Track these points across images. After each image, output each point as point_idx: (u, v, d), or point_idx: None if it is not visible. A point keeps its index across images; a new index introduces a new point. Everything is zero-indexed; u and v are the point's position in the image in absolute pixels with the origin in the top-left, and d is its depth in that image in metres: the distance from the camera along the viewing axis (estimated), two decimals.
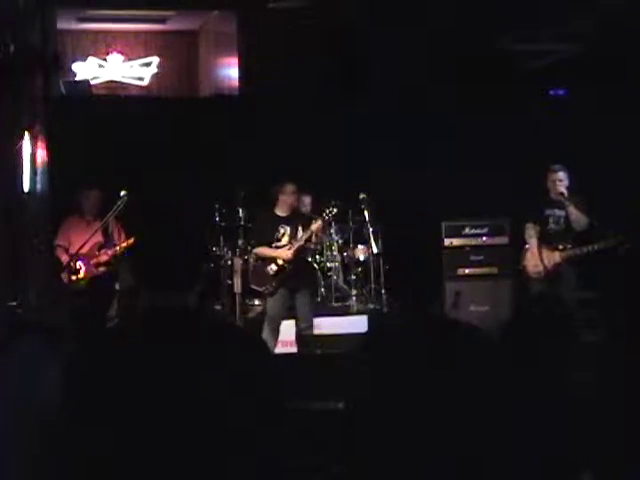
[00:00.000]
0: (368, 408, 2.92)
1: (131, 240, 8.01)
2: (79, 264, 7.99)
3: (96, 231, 8.04)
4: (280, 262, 7.88)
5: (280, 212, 7.97)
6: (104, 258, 8.11)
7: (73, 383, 2.32)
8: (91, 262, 8.10)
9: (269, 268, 7.91)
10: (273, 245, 7.95)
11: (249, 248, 9.21)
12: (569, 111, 10.40)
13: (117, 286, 8.95)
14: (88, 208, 8.26)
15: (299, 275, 8.02)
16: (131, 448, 2.24)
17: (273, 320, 7.93)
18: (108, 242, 8.13)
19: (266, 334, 7.82)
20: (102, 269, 8.15)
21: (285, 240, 7.96)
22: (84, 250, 8.07)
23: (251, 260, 8.81)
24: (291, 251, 7.88)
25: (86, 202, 8.27)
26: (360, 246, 9.79)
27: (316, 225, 7.87)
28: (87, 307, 7.98)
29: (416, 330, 2.97)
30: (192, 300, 2.37)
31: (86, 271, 8.08)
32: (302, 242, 7.87)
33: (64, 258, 8.08)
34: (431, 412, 2.81)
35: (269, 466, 2.30)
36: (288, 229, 7.97)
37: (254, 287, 8.12)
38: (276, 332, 7.93)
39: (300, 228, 7.96)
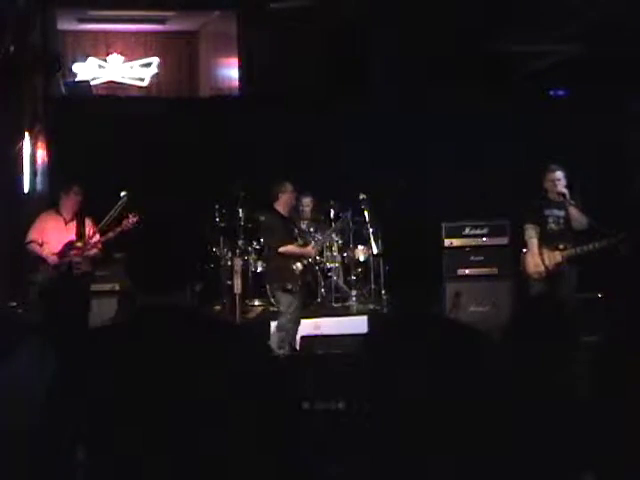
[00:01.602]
0: (368, 408, 2.92)
1: (98, 237, 7.99)
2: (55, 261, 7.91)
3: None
4: (305, 261, 8.07)
5: (283, 211, 8.08)
6: (76, 257, 7.99)
7: (66, 381, 2.32)
8: (63, 261, 7.96)
9: (296, 266, 7.99)
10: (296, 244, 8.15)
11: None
12: (569, 111, 10.40)
13: (117, 287, 8.95)
14: (67, 207, 8.10)
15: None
16: (129, 448, 2.23)
17: (297, 318, 8.02)
18: (81, 241, 8.04)
19: (287, 332, 7.89)
20: (78, 269, 8.03)
21: (300, 240, 8.16)
22: (58, 249, 7.99)
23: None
24: (315, 250, 8.20)
25: (65, 200, 8.10)
26: (360, 246, 9.79)
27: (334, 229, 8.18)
28: (63, 308, 7.86)
29: (416, 331, 2.97)
30: (188, 299, 2.37)
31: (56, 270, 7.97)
32: (323, 242, 8.06)
33: (40, 252, 7.97)
34: (431, 412, 2.81)
35: (270, 465, 2.30)
36: (295, 229, 8.18)
37: (285, 285, 8.00)
38: (297, 330, 8.04)
39: (295, 229, 8.19)
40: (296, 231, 8.18)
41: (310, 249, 8.15)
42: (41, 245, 7.99)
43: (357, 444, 2.93)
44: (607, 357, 3.09)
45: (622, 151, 9.71)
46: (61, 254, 7.97)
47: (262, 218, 8.55)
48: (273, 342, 7.82)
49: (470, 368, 2.86)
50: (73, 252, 8.00)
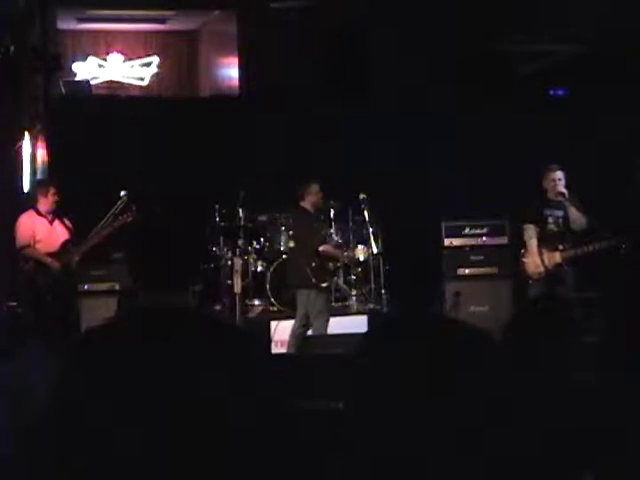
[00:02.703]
0: (368, 408, 2.92)
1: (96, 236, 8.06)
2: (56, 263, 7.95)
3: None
4: (359, 255, 8.34)
5: (311, 211, 8.20)
6: (75, 256, 8.04)
7: (67, 382, 2.32)
8: (65, 261, 7.99)
9: (330, 265, 8.11)
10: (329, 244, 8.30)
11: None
12: (569, 111, 10.40)
13: (117, 286, 8.95)
14: (46, 207, 8.02)
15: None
16: (127, 448, 2.23)
17: (327, 315, 8.09)
18: (75, 240, 8.09)
19: (319, 329, 7.97)
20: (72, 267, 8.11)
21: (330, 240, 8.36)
22: (55, 250, 8.00)
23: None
24: (349, 257, 8.29)
25: (44, 201, 8.03)
26: (360, 246, 9.78)
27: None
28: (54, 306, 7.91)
29: (416, 330, 2.97)
30: (189, 299, 2.37)
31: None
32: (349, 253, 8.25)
33: (38, 254, 7.96)
34: (431, 412, 2.81)
35: (268, 465, 2.30)
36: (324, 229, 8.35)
37: (320, 283, 8.05)
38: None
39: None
40: (325, 231, 8.30)
41: (346, 255, 8.28)
42: (34, 247, 7.96)
43: (356, 444, 2.93)
44: (607, 357, 3.09)
45: (622, 151, 9.70)
46: (60, 254, 7.98)
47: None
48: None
49: (470, 368, 2.86)
50: (74, 251, 8.03)
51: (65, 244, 8.02)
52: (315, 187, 8.15)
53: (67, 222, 8.15)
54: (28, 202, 8.38)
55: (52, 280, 7.89)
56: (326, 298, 8.17)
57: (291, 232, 9.05)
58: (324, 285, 8.06)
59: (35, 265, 7.92)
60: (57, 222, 8.07)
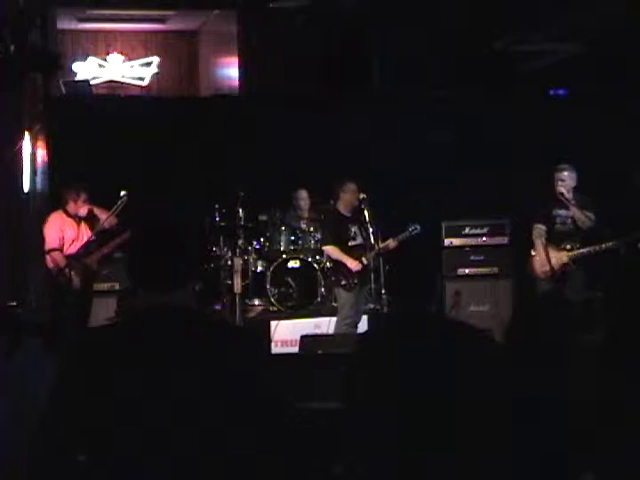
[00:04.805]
0: (366, 407, 2.92)
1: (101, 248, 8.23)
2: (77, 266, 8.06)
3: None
4: (365, 261, 8.02)
5: (344, 211, 8.16)
6: (99, 255, 8.24)
7: (67, 381, 2.32)
8: (88, 261, 8.16)
9: (354, 265, 8.02)
10: (349, 244, 8.12)
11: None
12: (569, 111, 10.39)
13: (117, 286, 8.98)
14: (75, 211, 8.19)
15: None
16: (127, 447, 2.23)
17: (347, 316, 8.06)
18: (99, 239, 8.19)
19: (347, 327, 7.99)
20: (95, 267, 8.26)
21: (359, 239, 8.17)
22: (75, 250, 8.09)
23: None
24: (360, 266, 8.00)
25: (73, 206, 8.19)
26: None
27: (390, 244, 7.95)
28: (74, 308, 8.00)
29: (416, 330, 2.97)
30: (189, 299, 2.37)
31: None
32: (374, 254, 7.98)
33: (61, 259, 8.04)
34: (430, 411, 2.81)
35: (268, 464, 2.30)
36: (356, 228, 8.17)
37: (341, 281, 8.08)
38: (352, 328, 8.01)
39: (361, 228, 8.14)
40: (353, 230, 8.16)
41: (355, 263, 7.98)
42: (61, 250, 8.06)
43: (355, 443, 2.93)
44: (607, 356, 3.09)
45: (622, 151, 9.70)
46: (83, 254, 8.09)
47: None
48: None
49: (470, 367, 2.86)
50: (98, 251, 8.24)
51: (86, 246, 8.13)
52: (350, 186, 8.08)
53: (102, 212, 8.26)
54: (30, 202, 8.43)
55: (75, 281, 8.01)
56: (348, 296, 8.08)
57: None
58: (343, 283, 8.08)
59: (58, 266, 8.02)
60: (83, 225, 8.23)
